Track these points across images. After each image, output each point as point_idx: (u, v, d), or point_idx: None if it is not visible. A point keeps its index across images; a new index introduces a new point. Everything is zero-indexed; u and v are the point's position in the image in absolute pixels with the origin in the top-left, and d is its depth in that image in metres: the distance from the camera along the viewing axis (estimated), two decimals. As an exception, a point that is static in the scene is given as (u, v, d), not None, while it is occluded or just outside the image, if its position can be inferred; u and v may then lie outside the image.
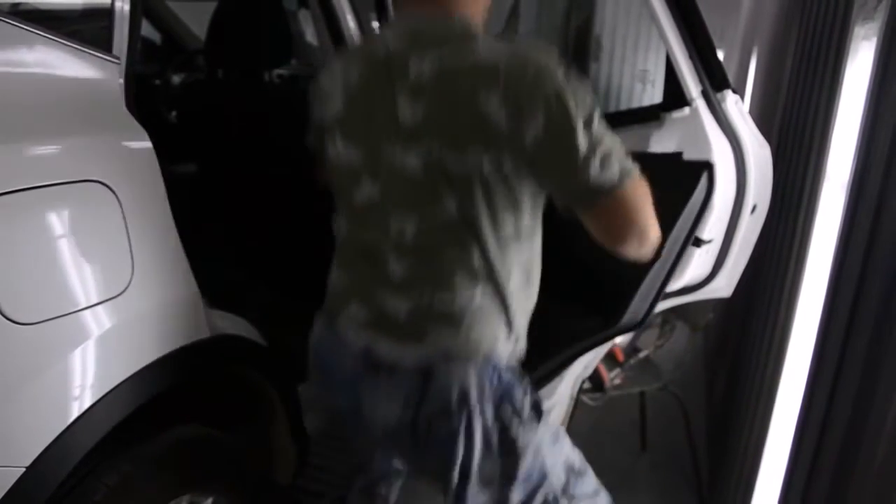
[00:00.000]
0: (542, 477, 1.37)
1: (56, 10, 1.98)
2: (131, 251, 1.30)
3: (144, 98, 2.89)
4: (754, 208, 1.69)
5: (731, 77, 1.68)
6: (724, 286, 1.79)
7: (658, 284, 1.72)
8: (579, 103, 1.13)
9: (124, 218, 1.28)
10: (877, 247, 1.34)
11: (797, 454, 1.61)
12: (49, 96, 1.24)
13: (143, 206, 1.32)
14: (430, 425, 1.30)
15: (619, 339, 2.37)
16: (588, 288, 1.85)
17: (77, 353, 1.23)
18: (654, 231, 1.21)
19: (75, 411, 1.24)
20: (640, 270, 1.72)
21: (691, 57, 1.57)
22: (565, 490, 1.41)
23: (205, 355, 1.49)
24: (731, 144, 1.61)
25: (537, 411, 1.35)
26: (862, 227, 1.38)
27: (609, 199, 1.16)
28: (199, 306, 1.48)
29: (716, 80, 1.59)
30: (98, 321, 1.26)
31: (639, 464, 2.64)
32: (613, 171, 1.14)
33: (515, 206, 1.23)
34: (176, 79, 3.11)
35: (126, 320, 1.31)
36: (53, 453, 1.20)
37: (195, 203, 2.46)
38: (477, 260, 1.25)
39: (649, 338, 2.45)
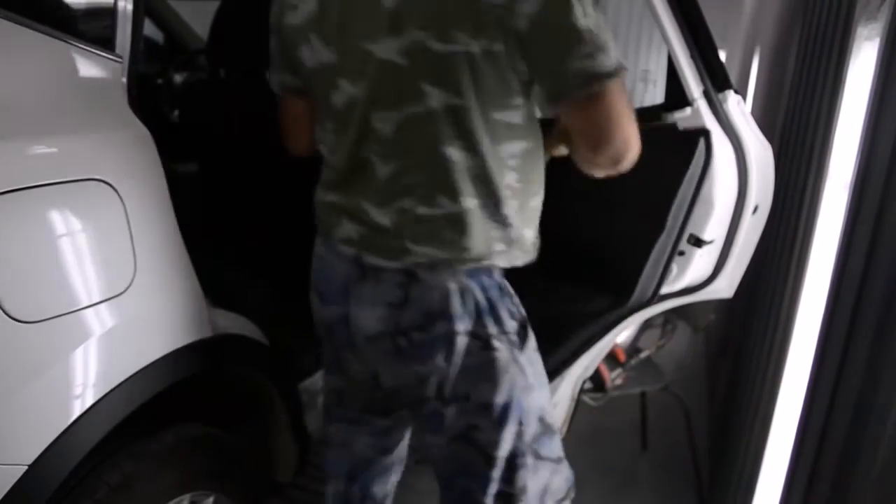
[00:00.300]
0: (518, 419, 1.34)
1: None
2: (134, 250, 1.30)
3: (147, 97, 2.91)
4: (756, 209, 1.69)
5: (733, 77, 1.68)
6: (725, 287, 1.79)
7: (666, 257, 1.71)
8: None
9: (127, 216, 1.28)
10: (879, 248, 1.33)
11: (798, 456, 1.61)
12: (52, 95, 1.25)
13: (145, 204, 1.32)
14: (410, 333, 1.28)
15: (621, 339, 2.37)
16: (594, 266, 1.85)
17: (79, 351, 1.23)
18: (634, 143, 1.16)
19: (77, 410, 1.24)
20: (645, 243, 1.72)
21: (693, 57, 1.57)
22: (533, 445, 1.39)
23: (206, 354, 1.50)
24: (733, 145, 1.61)
25: (523, 335, 1.33)
26: (864, 229, 1.38)
27: (600, 91, 1.11)
28: (202, 305, 1.48)
29: (717, 80, 1.59)
30: (100, 320, 1.26)
31: (639, 464, 2.64)
32: (609, 58, 1.10)
33: (507, 97, 1.18)
34: (178, 78, 3.11)
35: (128, 319, 1.31)
36: (55, 451, 1.20)
37: (197, 202, 2.47)
38: (466, 160, 1.19)
39: (651, 338, 2.45)
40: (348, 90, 1.24)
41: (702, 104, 1.59)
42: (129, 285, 1.30)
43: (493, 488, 1.38)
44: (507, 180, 1.23)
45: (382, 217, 1.26)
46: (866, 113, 1.40)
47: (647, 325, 2.43)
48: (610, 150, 1.16)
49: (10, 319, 1.12)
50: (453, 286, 1.26)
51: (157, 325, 1.38)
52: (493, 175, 1.21)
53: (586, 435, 2.72)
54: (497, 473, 1.36)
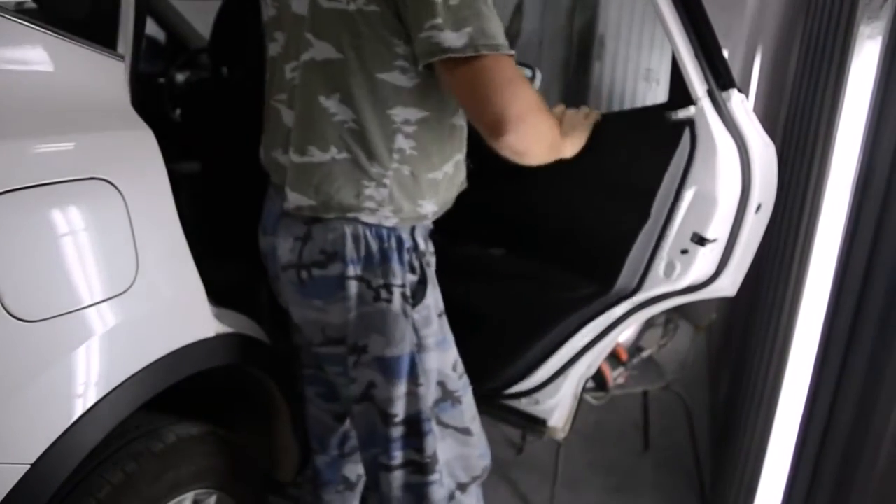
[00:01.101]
0: (411, 376, 1.40)
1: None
2: (136, 248, 1.30)
3: (149, 96, 2.91)
4: (759, 207, 1.69)
5: (735, 75, 1.68)
6: (728, 285, 1.79)
7: (651, 246, 1.73)
8: None
9: (129, 216, 1.28)
10: (881, 247, 1.33)
11: (800, 457, 1.61)
12: (54, 94, 1.25)
13: (147, 203, 1.32)
14: (311, 269, 1.37)
15: (623, 339, 2.37)
16: (580, 252, 1.87)
17: (81, 350, 1.23)
18: (507, 125, 1.17)
19: (79, 409, 1.24)
20: (630, 231, 1.73)
21: (697, 56, 1.56)
22: (434, 410, 1.45)
23: (209, 353, 1.50)
24: (736, 143, 1.61)
25: (419, 293, 1.40)
26: (866, 227, 1.38)
27: (455, 64, 1.15)
28: (204, 304, 1.48)
29: (721, 79, 1.58)
30: (102, 318, 1.26)
31: (641, 464, 2.63)
32: (463, 35, 1.13)
33: (389, 58, 1.23)
34: (180, 77, 3.10)
35: (130, 318, 1.31)
36: (57, 450, 1.20)
37: (200, 201, 2.47)
38: (342, 113, 1.27)
39: (653, 337, 2.45)
40: (279, 42, 1.37)
41: (705, 103, 1.58)
42: (132, 284, 1.30)
43: (399, 453, 1.43)
44: (398, 144, 1.30)
45: (289, 159, 1.36)
46: (869, 111, 1.40)
47: (648, 324, 2.43)
48: (479, 123, 1.20)
49: (11, 318, 1.12)
50: (348, 230, 1.33)
51: (159, 323, 1.38)
52: (371, 134, 1.28)
53: (588, 434, 2.72)
54: (397, 434, 1.42)
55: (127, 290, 1.30)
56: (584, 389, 2.12)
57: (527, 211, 1.97)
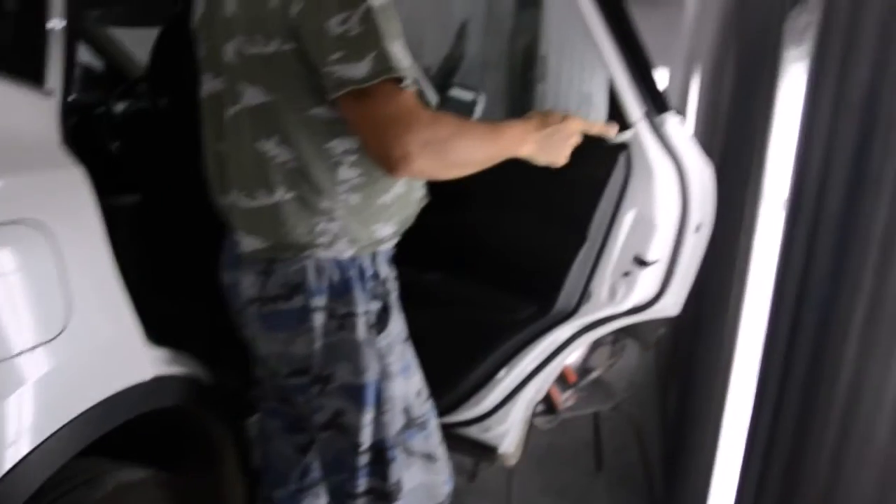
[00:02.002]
0: (377, 404, 1.40)
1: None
2: (67, 292, 1.25)
3: (86, 127, 2.83)
4: (698, 227, 1.72)
5: (674, 94, 1.72)
6: (671, 305, 1.81)
7: (589, 268, 1.75)
8: None
9: (59, 259, 1.23)
10: (814, 261, 1.36)
11: (746, 469, 1.63)
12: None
13: (79, 245, 1.28)
14: (275, 302, 1.37)
15: (570, 360, 2.38)
16: (519, 274, 1.88)
17: (12, 399, 1.18)
18: (406, 152, 1.15)
19: (10, 460, 1.18)
20: (568, 251, 1.74)
21: (632, 81, 1.59)
22: (400, 437, 1.45)
23: (147, 397, 1.45)
24: (674, 165, 1.64)
25: (383, 319, 1.40)
26: (799, 243, 1.41)
27: (356, 97, 1.15)
28: (142, 346, 1.44)
29: (657, 102, 1.61)
30: (33, 366, 1.21)
31: (595, 485, 2.64)
32: (362, 66, 1.13)
33: (315, 93, 1.23)
34: (119, 107, 3.04)
35: (63, 364, 1.26)
36: (-13, 504, 1.15)
37: (140, 235, 2.41)
38: (282, 154, 1.28)
39: (601, 357, 2.47)
40: (210, 84, 1.39)
41: (642, 126, 1.61)
42: (63, 329, 1.25)
43: (364, 480, 1.43)
44: (342, 175, 1.30)
45: (236, 201, 1.37)
46: (798, 131, 1.43)
47: (596, 345, 2.44)
48: (377, 156, 1.18)
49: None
50: (309, 262, 1.34)
51: (93, 368, 1.33)
52: (314, 170, 1.29)
53: (541, 457, 2.72)
54: (362, 462, 1.42)
55: (58, 335, 1.25)
56: (534, 413, 2.12)
57: (463, 234, 1.98)
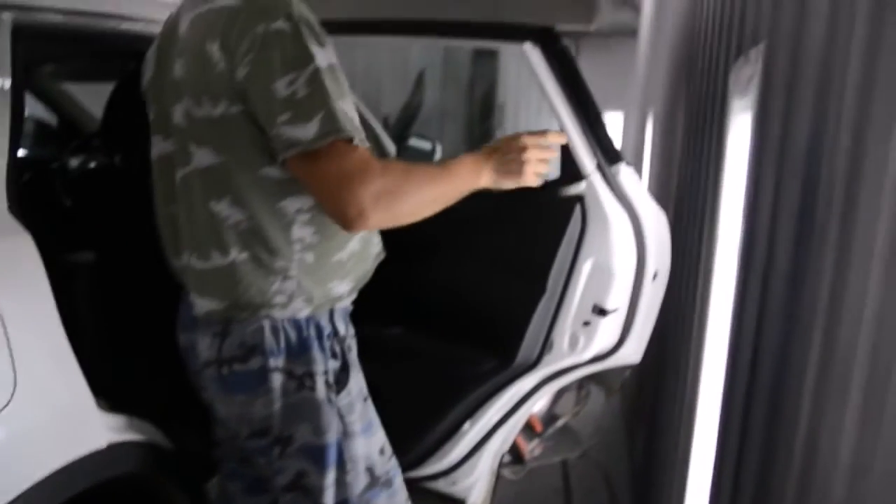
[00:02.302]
0: (339, 464, 1.39)
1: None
2: (13, 361, 1.22)
3: (41, 183, 2.78)
4: (655, 275, 1.74)
5: (631, 137, 1.75)
6: (632, 352, 1.82)
7: (549, 318, 1.75)
8: (293, 51, 1.15)
9: (5, 328, 1.20)
10: (769, 306, 1.38)
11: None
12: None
13: (26, 314, 1.25)
14: (232, 364, 1.34)
15: (536, 408, 2.37)
16: (480, 327, 1.87)
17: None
18: (360, 208, 1.15)
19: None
20: (528, 304, 1.74)
21: (584, 133, 1.62)
22: (364, 497, 1.43)
23: (102, 465, 1.41)
24: (628, 215, 1.66)
25: (342, 379, 1.39)
26: (754, 286, 1.43)
27: (306, 157, 1.16)
28: (94, 414, 1.40)
29: (609, 154, 1.64)
30: (-23, 440, 1.17)
31: (566, 532, 2.61)
32: (311, 126, 1.14)
33: (265, 153, 1.23)
34: (73, 162, 3.00)
35: (11, 436, 1.22)
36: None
37: (95, 294, 2.36)
38: (234, 214, 1.27)
39: (566, 404, 2.46)
40: (160, 146, 1.39)
41: (595, 177, 1.63)
42: (10, 400, 1.21)
43: None
44: (297, 234, 1.30)
45: (187, 263, 1.37)
46: (746, 182, 1.46)
47: (561, 392, 2.44)
48: (333, 214, 1.19)
49: None
50: (266, 323, 1.32)
51: (44, 439, 1.29)
52: (268, 230, 1.29)
53: (510, 507, 2.68)
54: None
55: (5, 406, 1.21)
56: (501, 464, 2.10)
57: (423, 288, 1.97)
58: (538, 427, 2.37)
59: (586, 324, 1.71)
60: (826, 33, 1.04)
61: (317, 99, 1.15)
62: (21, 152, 3.25)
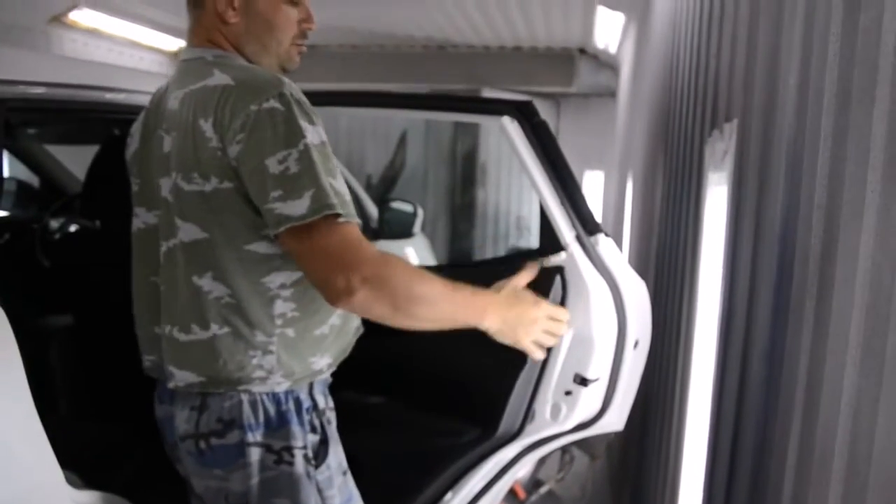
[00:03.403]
0: None
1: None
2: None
3: (21, 244, 2.76)
4: (636, 344, 1.73)
5: (611, 195, 1.77)
6: (615, 420, 1.81)
7: (531, 388, 1.73)
8: (284, 129, 1.17)
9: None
10: (748, 380, 1.39)
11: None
12: None
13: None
14: (209, 438, 1.32)
15: (520, 475, 2.34)
16: (460, 398, 1.85)
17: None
18: (351, 287, 1.15)
19: None
20: (509, 374, 1.73)
21: (563, 204, 1.63)
22: None
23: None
24: (608, 284, 1.66)
25: (322, 453, 1.37)
26: (735, 353, 1.43)
27: (297, 233, 1.16)
28: (63, 491, 1.36)
29: (588, 224, 1.65)
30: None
31: None
32: (302, 203, 1.15)
33: (252, 229, 1.25)
34: (54, 224, 2.99)
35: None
36: None
37: (68, 362, 2.33)
38: (216, 289, 1.27)
39: (550, 470, 2.43)
40: (143, 218, 1.40)
41: (575, 248, 1.64)
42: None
43: None
44: (278, 310, 1.30)
45: (167, 334, 1.35)
46: (724, 255, 1.48)
47: (545, 457, 2.41)
48: (321, 287, 1.19)
49: None
50: (245, 397, 1.31)
51: (11, 520, 1.25)
52: (250, 305, 1.29)
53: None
54: None
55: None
56: (484, 534, 2.05)
57: (404, 358, 1.96)
58: (521, 494, 2.33)
59: (568, 393, 1.70)
60: (796, 112, 1.07)
61: (307, 176, 1.16)
62: (1, 213, 3.25)
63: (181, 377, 1.33)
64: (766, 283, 1.19)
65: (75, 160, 3.29)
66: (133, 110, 1.88)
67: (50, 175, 3.35)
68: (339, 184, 1.20)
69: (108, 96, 1.78)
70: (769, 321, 1.17)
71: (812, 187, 0.97)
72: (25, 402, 1.29)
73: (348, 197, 1.21)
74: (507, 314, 1.36)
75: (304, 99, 1.23)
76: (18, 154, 3.14)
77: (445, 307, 1.30)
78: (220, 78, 1.25)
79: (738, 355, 1.39)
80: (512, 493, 2.30)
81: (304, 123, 1.19)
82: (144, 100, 1.87)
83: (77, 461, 1.42)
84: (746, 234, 1.31)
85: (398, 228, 3.29)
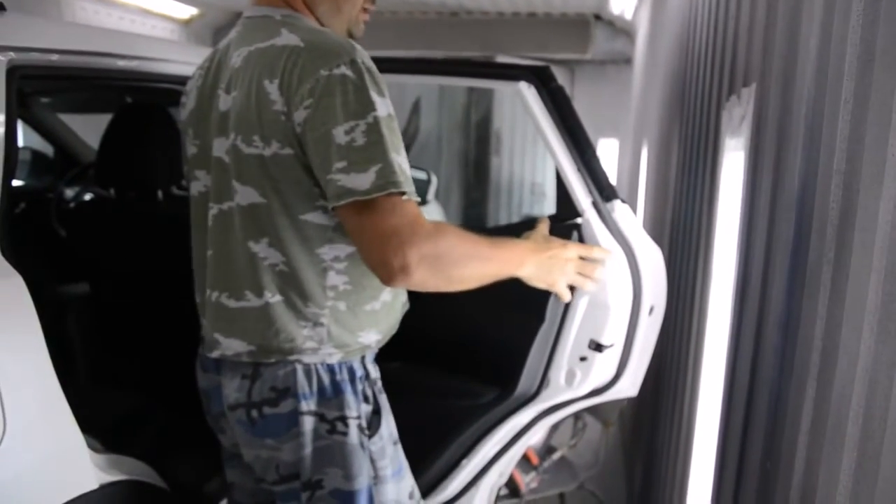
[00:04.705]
0: None
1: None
2: (2, 404, 1.21)
3: (37, 213, 2.78)
4: (651, 310, 1.74)
5: (626, 164, 1.76)
6: (629, 387, 1.82)
7: (549, 348, 1.74)
8: (355, 99, 1.13)
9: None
10: (763, 347, 1.39)
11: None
12: None
13: (15, 357, 1.24)
14: (262, 407, 1.31)
15: (533, 441, 2.35)
16: (480, 360, 1.86)
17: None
18: (405, 266, 1.12)
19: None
20: (526, 335, 1.74)
21: (579, 170, 1.63)
22: None
23: (93, 507, 1.39)
24: (624, 251, 1.66)
25: (375, 423, 1.36)
26: (749, 320, 1.43)
27: (358, 207, 1.13)
28: (84, 455, 1.38)
29: (604, 191, 1.65)
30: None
31: (563, 565, 2.58)
32: (367, 177, 1.12)
33: (309, 199, 1.23)
34: (69, 193, 3.01)
35: (2, 480, 1.21)
36: None
37: (88, 327, 2.36)
38: (271, 256, 1.26)
39: (563, 437, 2.45)
40: (202, 182, 1.36)
41: (591, 214, 1.64)
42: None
43: None
44: (331, 282, 1.29)
45: (219, 303, 1.33)
46: (740, 221, 1.47)
47: (558, 424, 2.43)
48: (377, 266, 1.16)
49: None
50: (299, 366, 1.29)
51: (34, 483, 1.28)
52: (302, 274, 1.27)
53: (507, 540, 2.66)
54: None
55: (-7, 451, 1.20)
56: (498, 497, 2.08)
57: (421, 322, 1.97)
58: (535, 460, 2.35)
59: (583, 359, 1.71)
60: (816, 76, 1.05)
61: (375, 149, 1.12)
62: (16, 182, 3.27)
63: (228, 345, 1.32)
64: (783, 248, 1.18)
65: (89, 130, 3.30)
66: (146, 77, 1.89)
67: (64, 144, 3.36)
68: (403, 160, 1.17)
69: (121, 63, 1.77)
70: (785, 287, 1.16)
71: (831, 152, 0.96)
72: (46, 368, 1.31)
73: (409, 173, 1.18)
74: (541, 258, 1.37)
75: (375, 68, 1.18)
76: (33, 124, 3.15)
77: (491, 266, 1.30)
78: (288, 38, 1.21)
79: (753, 321, 1.38)
80: (525, 458, 2.32)
81: (374, 95, 1.15)
82: (158, 67, 1.88)
83: (97, 427, 1.45)
84: (763, 199, 1.30)
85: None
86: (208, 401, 1.45)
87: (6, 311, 1.25)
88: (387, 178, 1.12)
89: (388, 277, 1.16)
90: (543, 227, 1.44)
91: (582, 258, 1.44)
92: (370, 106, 1.14)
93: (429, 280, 1.18)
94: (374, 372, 1.41)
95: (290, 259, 1.26)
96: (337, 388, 1.32)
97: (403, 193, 1.14)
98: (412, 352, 2.04)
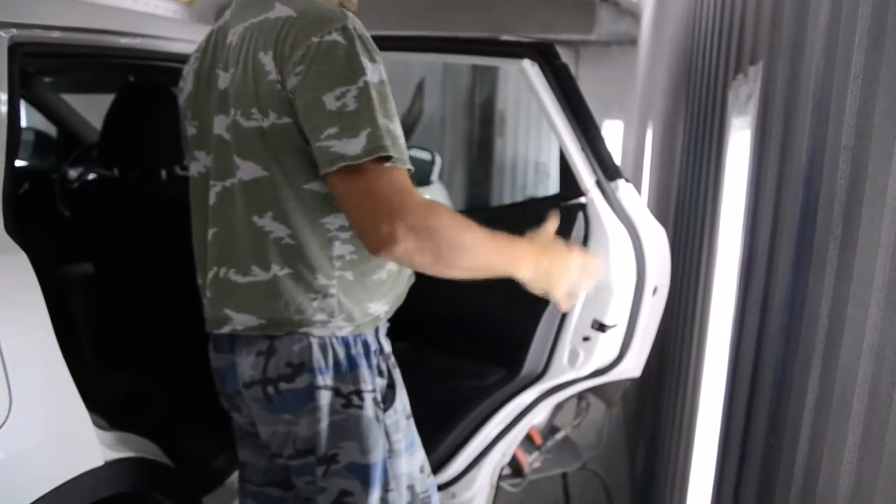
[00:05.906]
0: (384, 483, 1.36)
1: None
2: (8, 381, 1.21)
3: (41, 193, 2.78)
4: (655, 290, 1.73)
5: (631, 145, 1.75)
6: (632, 367, 1.82)
7: (555, 328, 1.74)
8: (345, 64, 1.13)
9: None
10: (768, 325, 1.38)
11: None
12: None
13: (21, 333, 1.24)
14: (278, 383, 1.32)
15: (536, 421, 2.36)
16: (486, 341, 1.87)
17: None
18: (394, 234, 1.11)
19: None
20: (532, 316, 1.74)
21: (583, 149, 1.62)
22: None
23: (99, 483, 1.40)
24: (628, 231, 1.66)
25: (389, 397, 1.37)
26: (753, 311, 1.43)
27: (348, 172, 1.12)
28: (90, 431, 1.39)
29: (608, 170, 1.64)
30: (-28, 461, 1.16)
31: (566, 544, 2.60)
32: (358, 142, 1.11)
33: (311, 168, 1.21)
34: (73, 173, 3.01)
35: (7, 456, 1.22)
36: None
37: (93, 306, 2.36)
38: (277, 230, 1.26)
39: (566, 417, 2.45)
40: (202, 161, 1.37)
41: (595, 194, 1.63)
42: (5, 420, 1.21)
43: None
44: (337, 251, 1.29)
45: (226, 278, 1.33)
46: (746, 200, 1.46)
47: (561, 404, 2.43)
48: (364, 232, 1.15)
49: None
50: (314, 340, 1.30)
51: (39, 459, 1.29)
52: (308, 246, 1.27)
53: (510, 520, 2.68)
54: None
55: (1, 426, 1.20)
56: (501, 477, 2.09)
57: (427, 303, 1.97)
58: (538, 440, 2.36)
59: (586, 339, 1.71)
60: (825, 54, 1.04)
61: (365, 114, 1.13)
62: (20, 163, 3.27)
63: (240, 320, 1.32)
64: (789, 226, 1.17)
65: (92, 110, 3.29)
66: (148, 55, 1.88)
67: (67, 124, 3.35)
68: (395, 126, 1.17)
69: (124, 41, 1.76)
70: (791, 264, 1.15)
71: (839, 128, 0.95)
72: (51, 347, 1.32)
73: (402, 141, 1.17)
74: (540, 263, 1.33)
75: (367, 35, 1.18)
76: (36, 104, 3.14)
77: (484, 257, 1.27)
78: (281, 10, 1.21)
79: (758, 299, 1.38)
80: (528, 438, 2.33)
81: (365, 60, 1.15)
82: (159, 45, 1.87)
83: (102, 405, 1.45)
84: (770, 177, 1.29)
85: (416, 176, 3.26)
86: (222, 380, 1.45)
87: (10, 287, 1.26)
88: (375, 143, 1.12)
89: (374, 245, 1.14)
90: (550, 227, 1.38)
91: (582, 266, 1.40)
92: (360, 71, 1.14)
93: (414, 255, 1.16)
94: (388, 346, 1.42)
95: (296, 231, 1.26)
96: (352, 363, 1.32)
97: (391, 158, 1.13)
98: (419, 333, 2.05)
